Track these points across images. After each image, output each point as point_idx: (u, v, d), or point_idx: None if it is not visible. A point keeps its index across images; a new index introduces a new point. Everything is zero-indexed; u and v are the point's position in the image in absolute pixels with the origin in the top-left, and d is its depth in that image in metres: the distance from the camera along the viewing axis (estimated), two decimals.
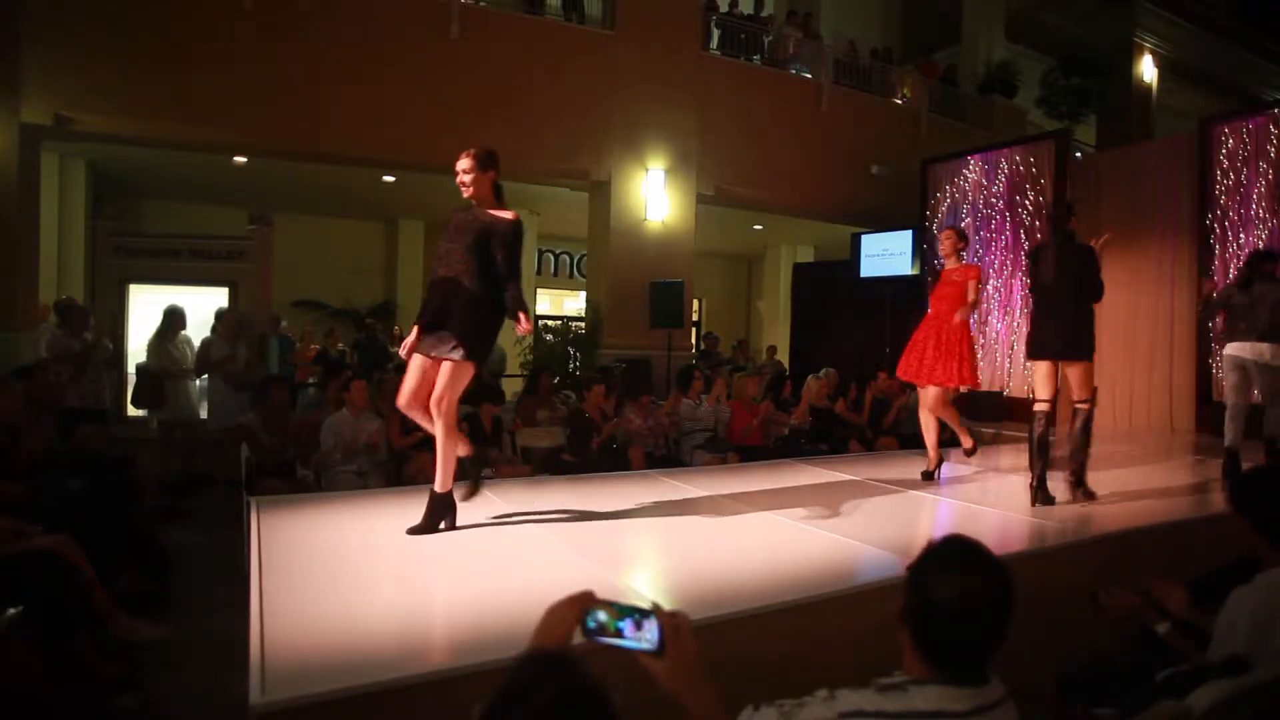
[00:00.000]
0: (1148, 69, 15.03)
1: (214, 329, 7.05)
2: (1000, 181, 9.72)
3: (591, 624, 1.24)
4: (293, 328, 10.75)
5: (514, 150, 8.90)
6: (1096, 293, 4.27)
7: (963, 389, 5.06)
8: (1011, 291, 9.56)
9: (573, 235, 13.23)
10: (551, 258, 15.26)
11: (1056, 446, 5.27)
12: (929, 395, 4.93)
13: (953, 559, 1.37)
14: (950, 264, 4.97)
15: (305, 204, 12.41)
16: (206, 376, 6.97)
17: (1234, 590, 2.09)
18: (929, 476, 4.93)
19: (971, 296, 4.85)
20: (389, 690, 1.93)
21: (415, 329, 3.29)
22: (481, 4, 9.00)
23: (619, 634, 1.24)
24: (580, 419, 6.32)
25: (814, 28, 11.78)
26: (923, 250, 10.57)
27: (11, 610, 2.62)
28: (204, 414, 7.13)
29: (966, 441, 5.18)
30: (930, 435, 5.04)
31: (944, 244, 5.00)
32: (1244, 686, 1.79)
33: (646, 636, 1.24)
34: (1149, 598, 2.39)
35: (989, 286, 9.81)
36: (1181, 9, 15.17)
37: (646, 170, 9.64)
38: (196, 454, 6.88)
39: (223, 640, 3.28)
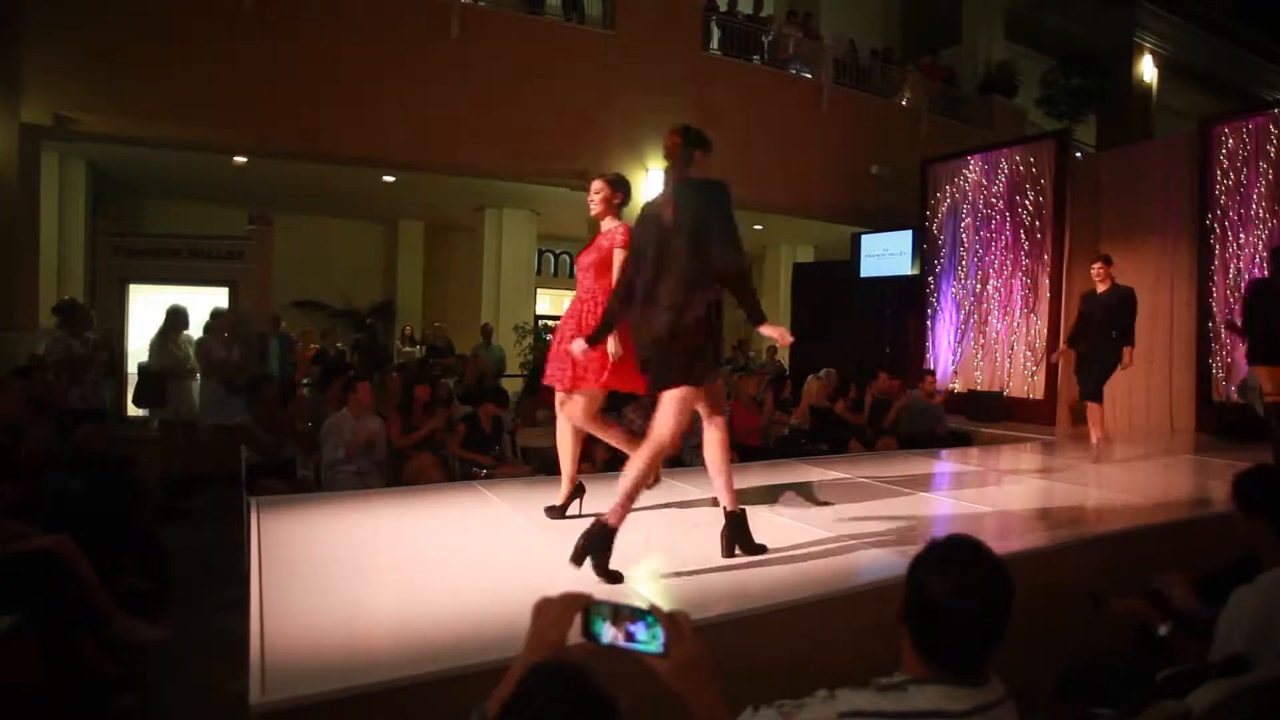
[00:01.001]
0: (1148, 69, 15.04)
1: (207, 327, 7.04)
2: (1000, 181, 9.72)
3: (594, 626, 1.24)
4: (293, 328, 10.75)
5: (514, 150, 8.93)
6: None
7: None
8: (1011, 291, 9.56)
9: (573, 235, 13.23)
10: (551, 258, 15.27)
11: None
12: (573, 403, 3.55)
13: (953, 557, 1.37)
14: (604, 225, 3.64)
15: (305, 204, 12.42)
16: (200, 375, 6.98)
17: (1235, 590, 2.09)
18: (558, 512, 3.62)
19: (615, 269, 3.42)
20: (389, 690, 1.93)
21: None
22: (481, 4, 9.00)
23: (623, 636, 1.24)
24: None
25: (814, 28, 11.79)
26: (922, 250, 10.57)
27: (8, 618, 2.62)
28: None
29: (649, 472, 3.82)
30: (567, 455, 3.67)
31: (592, 199, 3.61)
32: (1244, 686, 1.79)
33: (651, 638, 1.24)
34: (1155, 596, 2.39)
35: (989, 286, 9.81)
36: (1181, 9, 15.17)
37: (646, 170, 9.64)
38: (196, 454, 6.88)
39: (223, 640, 3.27)
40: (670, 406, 2.91)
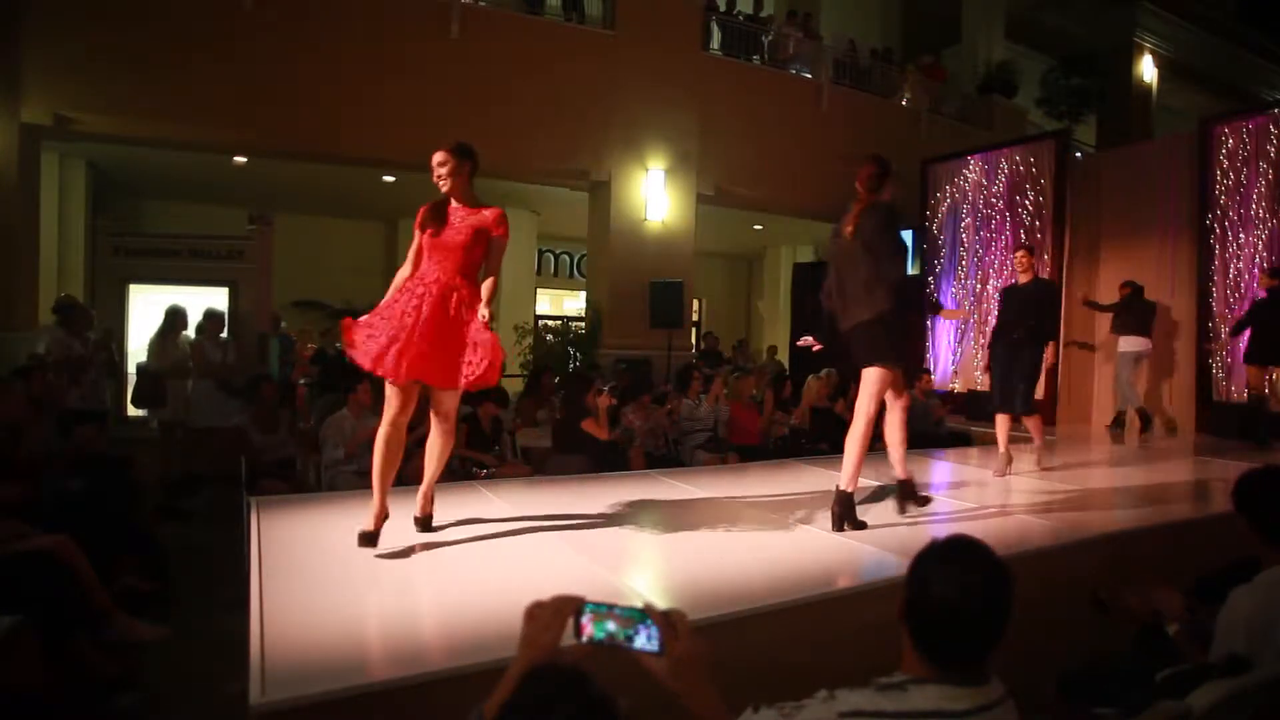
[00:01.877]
0: (1148, 69, 15.04)
1: (199, 328, 7.04)
2: (1000, 181, 9.72)
3: (589, 627, 1.24)
4: (292, 328, 10.75)
5: (514, 150, 8.93)
6: None
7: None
8: None
9: (573, 235, 13.22)
10: (551, 258, 15.26)
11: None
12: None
13: (953, 556, 1.37)
14: (457, 203, 3.20)
15: (305, 204, 12.42)
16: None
17: (1234, 590, 2.09)
18: (369, 540, 3.02)
19: (495, 269, 3.21)
20: (389, 690, 1.93)
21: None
22: (481, 4, 9.00)
23: (618, 637, 1.24)
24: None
25: (814, 28, 11.78)
26: (923, 250, 10.57)
27: (8, 618, 2.62)
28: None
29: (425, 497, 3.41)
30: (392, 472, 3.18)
31: (439, 173, 3.17)
32: (1244, 686, 1.79)
33: (646, 638, 1.23)
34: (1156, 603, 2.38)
35: (989, 287, 9.80)
36: (1181, 9, 15.17)
37: (646, 170, 9.64)
38: (196, 454, 6.88)
39: (223, 640, 3.27)
40: (866, 389, 3.61)
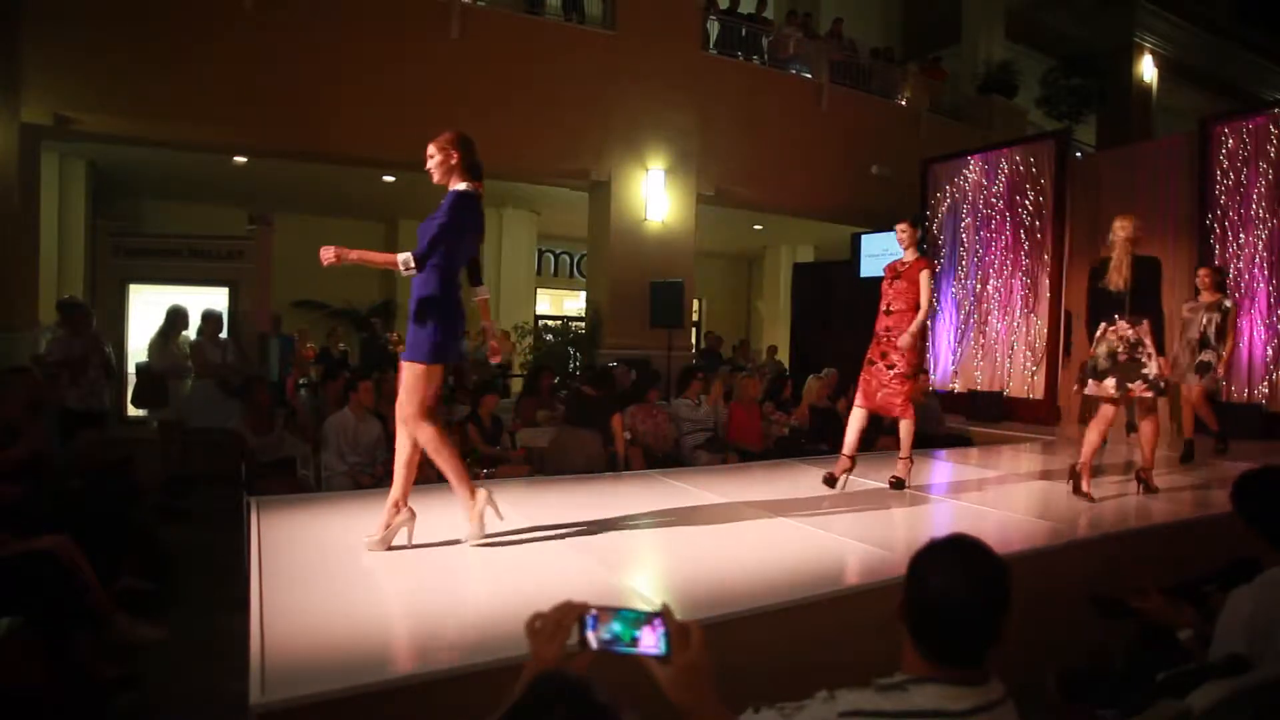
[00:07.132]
0: (1148, 69, 15.04)
1: (200, 330, 7.03)
2: (1000, 181, 9.72)
3: (592, 629, 1.22)
4: (292, 328, 10.75)
5: (514, 150, 8.93)
6: None
7: None
8: (1011, 291, 9.55)
9: (573, 235, 13.22)
10: (551, 258, 15.26)
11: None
12: None
13: (952, 554, 1.37)
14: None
15: (305, 204, 12.42)
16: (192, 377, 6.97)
17: (1234, 590, 2.09)
18: None
19: None
20: (389, 690, 1.93)
21: None
22: (481, 4, 9.00)
23: (623, 637, 1.21)
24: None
25: (814, 28, 11.79)
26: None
27: (8, 618, 2.62)
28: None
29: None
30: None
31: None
32: (1244, 686, 1.78)
33: (652, 641, 1.21)
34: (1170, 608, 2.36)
35: (989, 286, 9.80)
36: (1181, 9, 15.18)
37: (646, 170, 9.64)
38: (196, 454, 6.87)
39: (223, 640, 3.27)
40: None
